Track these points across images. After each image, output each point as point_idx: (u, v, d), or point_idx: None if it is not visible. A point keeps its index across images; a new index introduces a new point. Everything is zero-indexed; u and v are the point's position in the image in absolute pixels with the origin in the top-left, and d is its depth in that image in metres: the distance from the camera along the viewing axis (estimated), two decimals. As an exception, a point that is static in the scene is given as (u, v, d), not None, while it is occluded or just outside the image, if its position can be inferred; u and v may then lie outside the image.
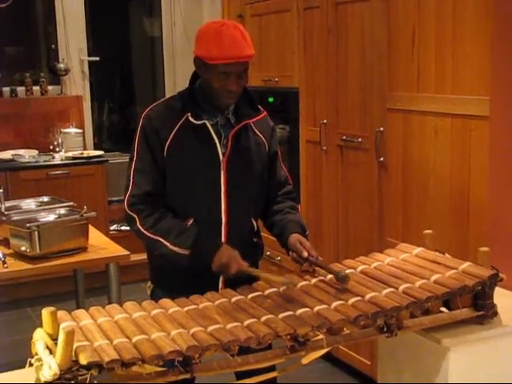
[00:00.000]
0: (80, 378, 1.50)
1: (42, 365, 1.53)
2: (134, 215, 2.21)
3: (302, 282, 2.02)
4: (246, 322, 1.74)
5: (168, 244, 2.16)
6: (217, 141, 2.23)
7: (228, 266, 2.10)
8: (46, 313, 1.60)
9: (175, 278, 2.25)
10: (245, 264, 2.12)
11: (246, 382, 1.84)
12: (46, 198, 3.53)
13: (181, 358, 1.59)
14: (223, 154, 2.23)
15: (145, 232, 2.20)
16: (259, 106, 2.37)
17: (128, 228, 2.30)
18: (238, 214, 2.27)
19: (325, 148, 3.49)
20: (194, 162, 2.22)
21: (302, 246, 2.17)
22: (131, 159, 2.26)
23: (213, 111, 2.25)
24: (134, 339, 1.63)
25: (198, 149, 2.23)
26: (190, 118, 2.21)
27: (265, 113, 2.37)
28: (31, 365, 1.59)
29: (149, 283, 2.41)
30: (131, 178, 2.24)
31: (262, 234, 2.43)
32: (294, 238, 2.22)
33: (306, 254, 2.14)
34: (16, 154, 4.94)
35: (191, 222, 2.22)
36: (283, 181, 2.44)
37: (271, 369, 1.90)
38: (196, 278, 2.16)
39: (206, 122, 2.22)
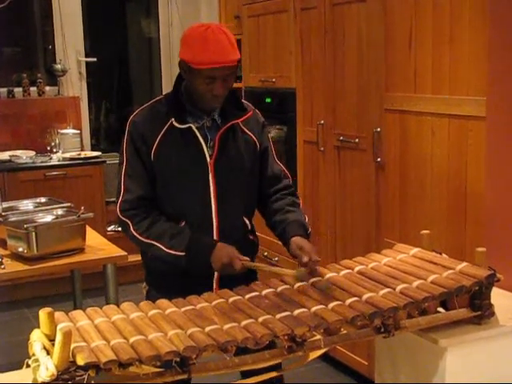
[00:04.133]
0: (77, 378, 1.50)
1: (39, 365, 1.52)
2: (127, 220, 2.21)
3: (298, 283, 2.01)
4: (244, 323, 1.74)
5: (163, 247, 2.17)
6: (203, 144, 2.23)
7: (231, 264, 2.09)
8: (43, 313, 1.60)
9: (169, 280, 2.25)
10: (246, 259, 2.11)
11: (247, 382, 1.83)
12: (43, 199, 3.54)
13: (178, 359, 1.59)
14: (210, 157, 2.23)
15: (138, 237, 2.20)
16: (247, 104, 2.36)
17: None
18: (229, 215, 2.26)
19: (322, 148, 3.50)
20: (182, 166, 2.21)
21: (301, 252, 2.12)
22: (121, 164, 2.25)
23: (198, 113, 2.24)
24: (131, 340, 1.62)
25: (185, 152, 2.22)
26: (175, 123, 2.20)
27: (251, 111, 2.34)
28: (28, 366, 1.58)
29: (144, 284, 2.42)
30: (122, 184, 2.23)
31: (258, 233, 2.43)
32: (294, 243, 2.17)
33: (305, 259, 2.08)
34: (13, 155, 4.93)
35: (183, 224, 2.22)
36: (278, 175, 2.39)
37: (277, 367, 1.86)
38: (190, 279, 2.16)
39: (192, 125, 2.22)
